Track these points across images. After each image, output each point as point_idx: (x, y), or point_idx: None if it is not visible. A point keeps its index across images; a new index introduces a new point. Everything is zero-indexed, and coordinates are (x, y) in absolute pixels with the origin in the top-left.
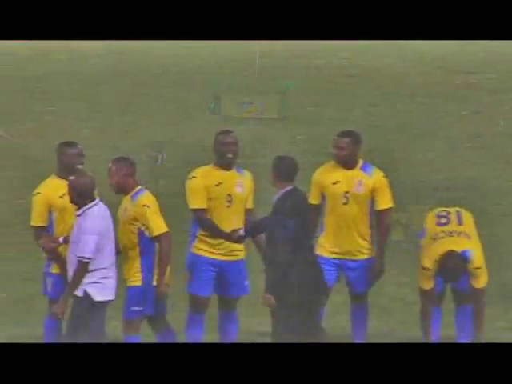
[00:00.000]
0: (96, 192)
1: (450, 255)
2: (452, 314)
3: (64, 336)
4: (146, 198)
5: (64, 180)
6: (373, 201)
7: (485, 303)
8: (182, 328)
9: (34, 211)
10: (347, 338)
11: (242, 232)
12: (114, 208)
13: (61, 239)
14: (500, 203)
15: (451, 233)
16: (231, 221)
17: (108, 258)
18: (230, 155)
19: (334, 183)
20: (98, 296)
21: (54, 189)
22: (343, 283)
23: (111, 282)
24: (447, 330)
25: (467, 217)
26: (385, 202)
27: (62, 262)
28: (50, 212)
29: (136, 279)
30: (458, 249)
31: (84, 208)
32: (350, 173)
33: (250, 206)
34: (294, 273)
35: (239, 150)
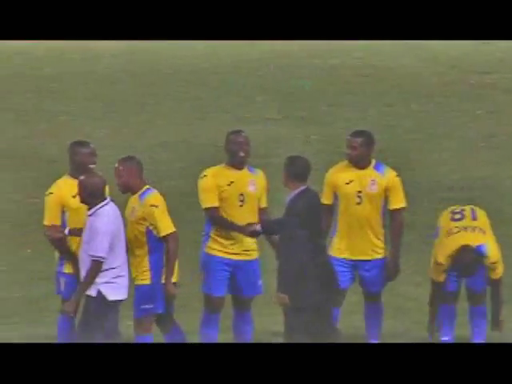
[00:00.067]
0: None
1: (464, 250)
2: (465, 314)
3: (78, 336)
4: (154, 197)
5: (77, 180)
6: (386, 200)
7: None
8: (195, 328)
9: (47, 211)
10: (361, 338)
11: (258, 227)
12: (120, 207)
13: (66, 230)
14: None
15: (466, 228)
16: (244, 220)
17: (120, 257)
18: (241, 154)
19: (347, 183)
20: (111, 295)
21: (66, 189)
22: (357, 283)
23: (124, 281)
24: (461, 330)
25: (482, 214)
26: (398, 201)
27: (74, 262)
28: (62, 212)
29: (145, 278)
30: (473, 243)
31: (95, 208)
32: (362, 172)
33: (263, 204)
34: (307, 273)
35: (253, 150)
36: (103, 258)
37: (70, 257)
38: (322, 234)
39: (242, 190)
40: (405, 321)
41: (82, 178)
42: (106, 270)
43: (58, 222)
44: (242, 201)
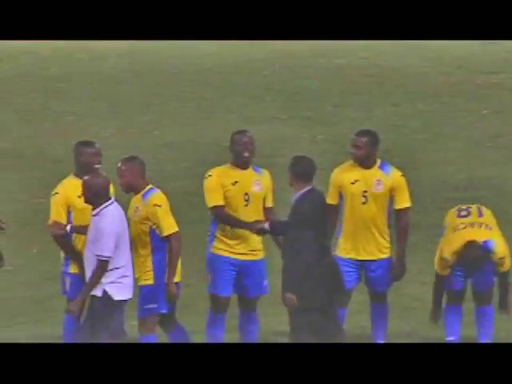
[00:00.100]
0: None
1: (471, 245)
2: (471, 314)
3: (84, 336)
4: (157, 197)
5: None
6: (391, 200)
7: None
8: (201, 328)
9: (53, 211)
10: (367, 338)
11: (266, 226)
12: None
13: (68, 227)
14: None
15: (472, 224)
16: (249, 220)
17: (124, 256)
18: (246, 154)
19: (352, 183)
20: (117, 295)
21: (72, 189)
22: (363, 283)
23: (129, 281)
24: (467, 330)
25: (488, 212)
26: (404, 201)
27: (79, 262)
28: (68, 212)
29: (148, 278)
30: (480, 239)
31: (100, 208)
32: (368, 172)
33: (269, 204)
34: (313, 274)
35: (258, 150)
36: (109, 258)
37: (75, 256)
38: (327, 235)
39: (247, 189)
40: (411, 321)
41: (86, 178)
42: (112, 269)
43: (64, 222)
44: (246, 200)
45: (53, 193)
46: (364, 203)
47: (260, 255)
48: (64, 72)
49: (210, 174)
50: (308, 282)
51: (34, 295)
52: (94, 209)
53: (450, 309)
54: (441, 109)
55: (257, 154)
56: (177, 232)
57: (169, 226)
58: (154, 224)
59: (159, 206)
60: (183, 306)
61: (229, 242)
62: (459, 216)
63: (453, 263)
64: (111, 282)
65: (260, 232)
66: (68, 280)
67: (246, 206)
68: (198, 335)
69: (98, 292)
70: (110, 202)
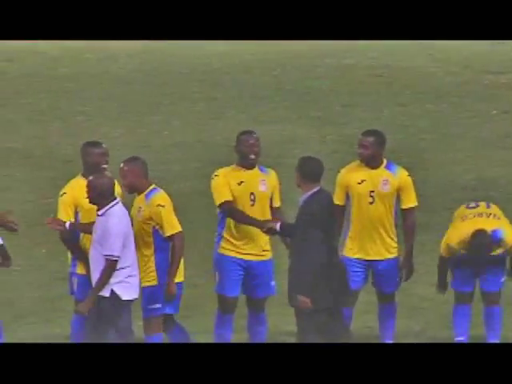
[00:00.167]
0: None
1: (479, 233)
2: (480, 314)
3: (92, 336)
4: (160, 197)
5: None
6: (398, 200)
7: None
8: (209, 328)
9: (61, 211)
10: (375, 338)
11: (277, 226)
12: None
13: (67, 224)
14: None
15: (480, 214)
16: None
17: (131, 256)
18: (252, 156)
19: (359, 183)
20: (124, 295)
21: (79, 189)
22: (370, 283)
23: (135, 280)
24: (476, 330)
25: (495, 206)
26: (410, 200)
27: (87, 262)
28: (76, 212)
29: (151, 278)
30: (488, 228)
31: (106, 208)
32: (375, 172)
33: (276, 204)
34: (321, 274)
35: (268, 150)
36: (118, 258)
37: (83, 257)
38: (335, 236)
39: (253, 189)
40: (419, 321)
41: (90, 178)
42: (119, 269)
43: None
44: (253, 200)
45: (60, 193)
46: (371, 203)
47: (268, 256)
48: (73, 72)
49: (216, 174)
50: (316, 283)
51: (43, 295)
52: (99, 209)
53: (458, 309)
54: (449, 109)
55: (266, 154)
56: (180, 232)
57: (172, 226)
58: (157, 224)
59: (162, 206)
60: (192, 306)
61: (236, 242)
62: (468, 208)
63: (458, 251)
64: (118, 282)
65: (269, 232)
66: (76, 281)
67: (253, 205)
68: (206, 335)
69: (105, 292)
70: (115, 202)
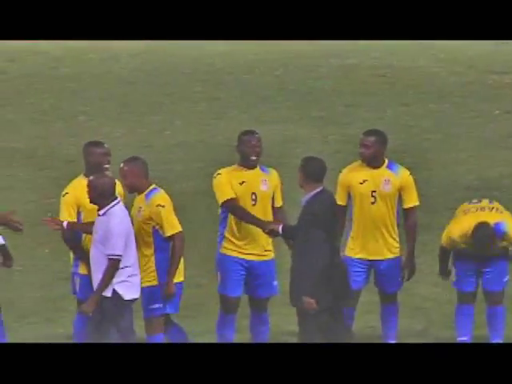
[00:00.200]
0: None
1: (482, 226)
2: (483, 313)
3: (94, 336)
4: (161, 197)
5: None
6: (399, 199)
7: None
8: (213, 328)
9: (63, 211)
10: (378, 338)
11: (279, 229)
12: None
13: (65, 223)
14: None
15: (483, 208)
16: None
17: (132, 256)
18: (253, 158)
19: (360, 183)
20: (127, 294)
21: (82, 189)
22: (373, 283)
23: (137, 280)
24: (479, 330)
25: (497, 202)
26: (412, 200)
27: (89, 262)
28: (78, 212)
29: (152, 279)
30: (491, 221)
31: (107, 207)
32: (376, 172)
33: (278, 203)
34: (323, 275)
35: (271, 150)
36: (120, 257)
37: (85, 257)
38: (337, 236)
39: (254, 189)
40: (422, 321)
41: (91, 178)
42: (120, 269)
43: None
44: (254, 200)
45: (63, 193)
46: (373, 203)
47: (270, 255)
48: (75, 72)
49: (218, 173)
50: (318, 283)
51: (45, 295)
52: (100, 209)
53: (461, 309)
54: (452, 109)
55: (268, 154)
56: (180, 232)
57: (172, 226)
58: (157, 224)
59: (162, 206)
60: (195, 306)
61: (237, 242)
62: (470, 203)
63: (459, 244)
64: (121, 282)
65: (271, 233)
66: (78, 280)
67: (254, 205)
68: (210, 335)
69: (107, 292)
70: (116, 201)
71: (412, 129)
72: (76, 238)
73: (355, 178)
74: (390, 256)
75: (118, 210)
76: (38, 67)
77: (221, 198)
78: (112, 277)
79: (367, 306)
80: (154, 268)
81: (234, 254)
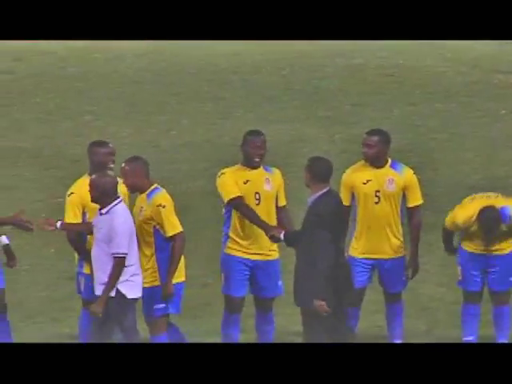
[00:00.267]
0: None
1: (487, 209)
2: (489, 313)
3: (99, 336)
4: (162, 197)
5: None
6: (403, 198)
7: None
8: (218, 328)
9: (68, 211)
10: (384, 338)
11: (281, 236)
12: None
13: (58, 224)
14: None
15: (489, 196)
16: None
17: (134, 255)
18: (256, 159)
19: (364, 183)
20: (130, 294)
21: (86, 188)
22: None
23: (139, 279)
24: (485, 330)
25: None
26: (416, 199)
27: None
28: (83, 212)
29: (153, 279)
30: (497, 205)
31: (109, 206)
32: (380, 171)
33: (282, 203)
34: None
35: (277, 150)
36: (126, 255)
37: (89, 257)
38: (343, 237)
39: (258, 189)
40: (428, 320)
41: (93, 177)
42: (124, 267)
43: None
44: (258, 199)
45: (68, 193)
46: (377, 203)
47: (274, 255)
48: (81, 72)
49: (222, 172)
50: (324, 284)
51: (51, 295)
52: (102, 208)
53: (467, 309)
54: (458, 108)
55: (274, 154)
56: (181, 232)
57: (173, 227)
58: (158, 224)
59: (163, 206)
60: (201, 306)
61: (242, 242)
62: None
63: (462, 228)
64: (124, 281)
65: (273, 239)
66: (83, 280)
67: (258, 205)
68: (216, 335)
69: (111, 292)
70: (118, 200)
71: (418, 128)
72: (80, 238)
73: (359, 178)
74: (394, 256)
75: (120, 208)
76: (45, 67)
77: (226, 197)
78: (119, 275)
79: (375, 305)
80: (155, 268)
81: (239, 254)
